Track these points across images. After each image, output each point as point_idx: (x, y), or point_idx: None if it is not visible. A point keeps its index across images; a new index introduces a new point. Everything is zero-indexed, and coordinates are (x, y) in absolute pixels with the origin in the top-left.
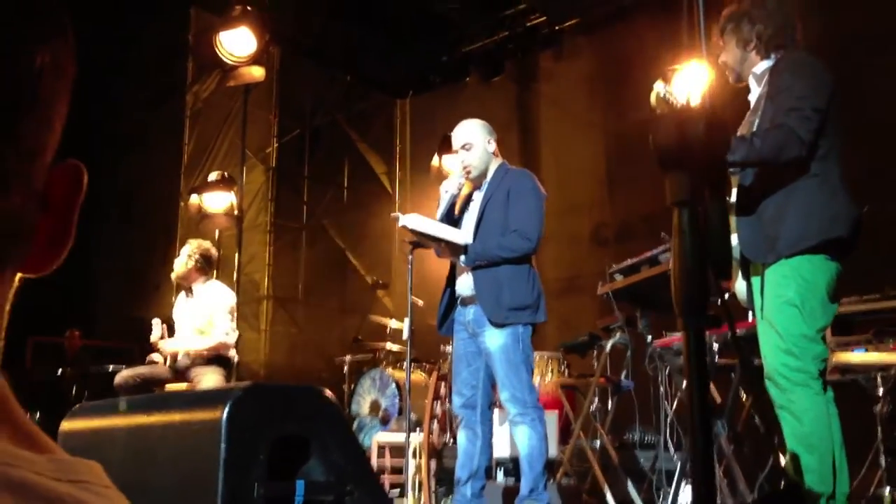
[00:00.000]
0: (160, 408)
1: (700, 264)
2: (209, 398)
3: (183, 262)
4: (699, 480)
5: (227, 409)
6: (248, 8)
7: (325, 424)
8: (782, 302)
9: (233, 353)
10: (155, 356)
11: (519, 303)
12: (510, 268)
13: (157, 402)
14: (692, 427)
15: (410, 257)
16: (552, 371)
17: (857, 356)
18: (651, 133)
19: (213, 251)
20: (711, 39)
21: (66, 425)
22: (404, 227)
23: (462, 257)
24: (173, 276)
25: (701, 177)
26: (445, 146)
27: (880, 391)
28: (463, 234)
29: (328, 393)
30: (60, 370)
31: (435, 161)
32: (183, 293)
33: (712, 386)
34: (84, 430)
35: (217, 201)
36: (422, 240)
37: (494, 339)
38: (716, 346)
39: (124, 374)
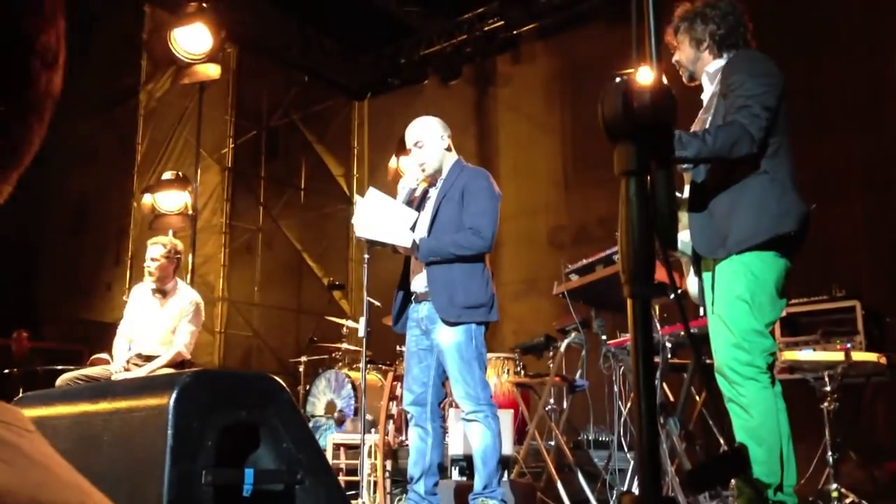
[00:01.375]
0: (106, 395)
1: (647, 234)
2: (156, 384)
3: (162, 264)
4: (644, 452)
5: (174, 395)
6: (204, 5)
7: (276, 412)
8: (733, 297)
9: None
10: (102, 356)
11: (472, 301)
12: (464, 266)
13: (104, 390)
14: (637, 400)
15: (366, 256)
16: (508, 371)
17: (806, 355)
18: (599, 103)
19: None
20: (662, 44)
21: None
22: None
23: (416, 254)
24: (151, 279)
25: (648, 146)
26: (403, 148)
27: (828, 389)
28: (408, 237)
29: (279, 381)
30: (7, 371)
31: (392, 163)
32: (145, 292)
33: (665, 385)
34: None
35: (171, 201)
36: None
37: (447, 336)
38: (669, 345)
39: (67, 377)
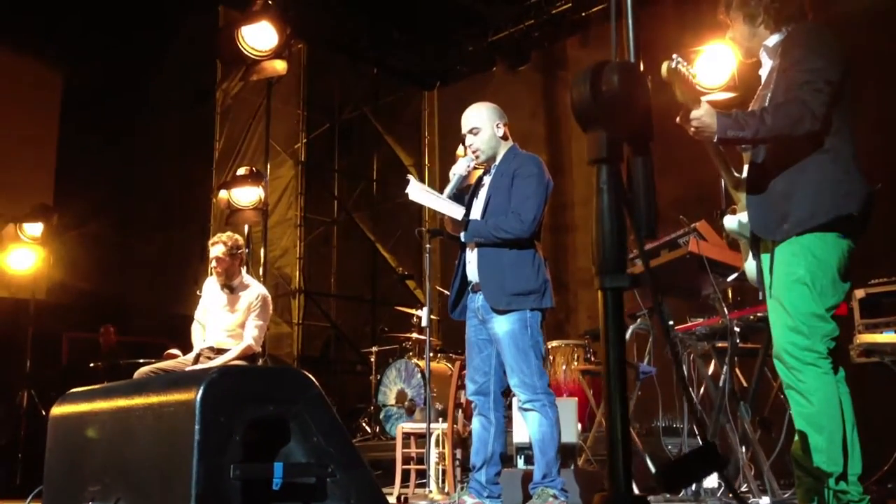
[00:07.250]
0: (141, 391)
1: (619, 224)
2: (186, 380)
3: (224, 262)
4: (614, 449)
5: (201, 391)
6: (270, 2)
7: (305, 406)
8: (792, 280)
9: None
10: (173, 350)
11: (522, 288)
12: (513, 253)
13: (139, 386)
14: (607, 393)
15: (428, 245)
16: (577, 358)
17: (884, 337)
18: (569, 89)
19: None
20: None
21: (57, 410)
22: (408, 195)
23: (462, 233)
24: (220, 279)
25: (621, 133)
26: None
27: None
28: (458, 210)
29: (309, 375)
30: (93, 364)
31: (460, 151)
32: (215, 286)
33: (737, 370)
34: (72, 414)
35: (246, 196)
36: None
37: (502, 325)
38: (738, 329)
39: (144, 370)
